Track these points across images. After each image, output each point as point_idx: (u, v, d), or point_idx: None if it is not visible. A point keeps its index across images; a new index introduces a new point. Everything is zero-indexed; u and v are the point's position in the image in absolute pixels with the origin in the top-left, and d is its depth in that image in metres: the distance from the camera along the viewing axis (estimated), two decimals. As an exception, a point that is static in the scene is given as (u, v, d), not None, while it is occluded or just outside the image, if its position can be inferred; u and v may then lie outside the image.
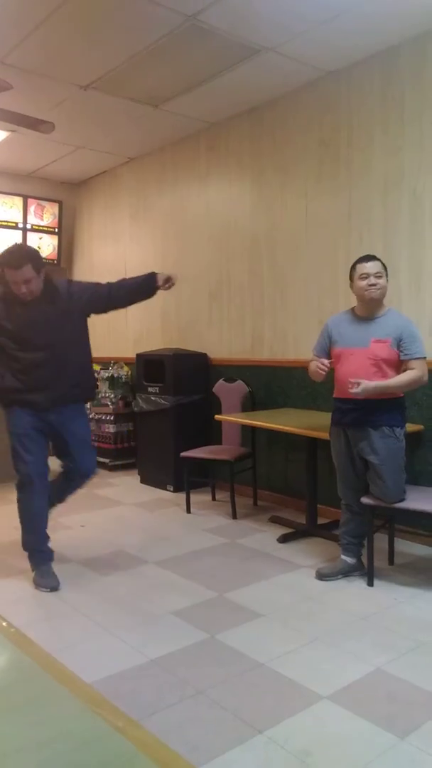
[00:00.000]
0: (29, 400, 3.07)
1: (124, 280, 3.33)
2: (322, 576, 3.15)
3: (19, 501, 3.18)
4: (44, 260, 6.70)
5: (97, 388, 3.45)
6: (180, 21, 3.49)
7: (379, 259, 3.06)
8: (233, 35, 3.65)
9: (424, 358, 2.99)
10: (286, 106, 4.50)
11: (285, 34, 3.64)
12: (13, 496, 3.20)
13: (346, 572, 3.17)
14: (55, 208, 6.75)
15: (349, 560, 3.19)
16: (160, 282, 3.20)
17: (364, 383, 2.88)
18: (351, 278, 3.08)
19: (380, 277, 3.00)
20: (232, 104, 4.72)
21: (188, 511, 4.38)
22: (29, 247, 3.26)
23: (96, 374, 6.08)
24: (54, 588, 3.03)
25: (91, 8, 3.36)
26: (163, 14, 3.42)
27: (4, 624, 1.09)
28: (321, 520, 3.94)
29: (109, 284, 3.27)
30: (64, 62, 4.02)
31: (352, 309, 3.16)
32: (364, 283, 3.00)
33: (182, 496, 4.51)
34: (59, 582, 3.07)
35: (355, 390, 2.88)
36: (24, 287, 2.97)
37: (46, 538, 3.21)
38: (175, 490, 4.91)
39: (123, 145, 5.73)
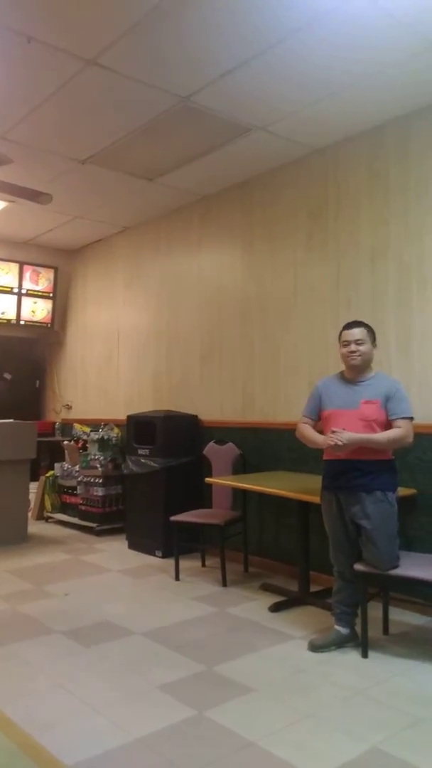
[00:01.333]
0: None
1: None
2: (314, 647, 3.04)
3: None
4: (41, 324, 6.84)
5: None
6: (174, 102, 3.69)
7: (365, 325, 3.12)
8: (225, 115, 3.85)
9: (411, 418, 3.01)
10: (275, 180, 4.70)
11: (274, 114, 3.85)
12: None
13: (339, 643, 3.07)
14: (51, 273, 6.90)
15: (343, 630, 3.09)
16: None
17: (347, 433, 2.89)
18: (339, 343, 3.15)
19: (361, 344, 3.06)
20: (224, 178, 4.92)
21: (177, 578, 4.26)
22: None
23: (85, 435, 6.07)
24: None
25: (90, 89, 3.55)
26: (158, 95, 3.62)
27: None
28: (314, 587, 3.84)
29: None
30: (63, 138, 4.21)
31: (341, 372, 3.20)
32: (345, 350, 3.08)
33: (171, 562, 4.40)
34: None
35: (336, 438, 2.88)
36: None
37: None
38: (164, 556, 4.80)
39: (118, 215, 5.93)
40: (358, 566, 3.01)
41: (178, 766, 2.07)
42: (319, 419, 3.16)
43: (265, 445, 4.63)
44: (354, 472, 2.98)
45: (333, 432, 2.94)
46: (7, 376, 5.33)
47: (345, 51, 3.15)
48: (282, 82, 3.46)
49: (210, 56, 3.24)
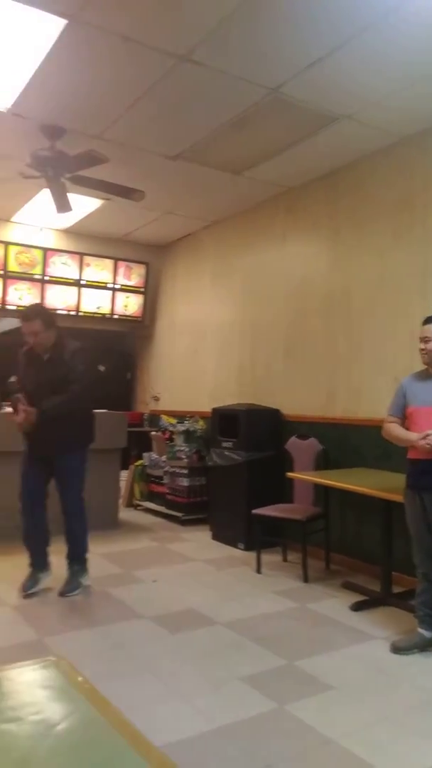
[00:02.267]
0: (34, 443, 3.73)
1: (59, 395, 3.64)
2: (396, 649, 3.00)
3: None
4: (132, 318, 7.04)
5: (91, 437, 3.89)
6: (263, 94, 3.69)
7: None
8: (313, 105, 3.81)
9: None
10: (362, 170, 4.60)
11: (362, 103, 3.78)
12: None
13: (422, 646, 3.00)
14: (142, 269, 7.10)
15: (426, 634, 3.02)
16: (19, 417, 3.63)
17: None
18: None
19: (428, 341, 2.99)
20: (310, 169, 4.88)
21: (258, 571, 4.32)
22: (42, 306, 4.16)
23: (171, 427, 6.22)
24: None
25: (182, 85, 3.62)
26: (247, 88, 3.64)
27: (80, 679, 1.13)
28: (396, 589, 3.77)
29: (71, 383, 3.65)
30: (155, 135, 4.32)
31: (427, 368, 3.13)
32: (423, 345, 3.03)
33: (253, 554, 4.46)
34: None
35: (428, 442, 2.82)
36: (31, 338, 3.64)
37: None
38: (246, 548, 4.86)
39: (206, 210, 6.01)
40: (444, 570, 2.93)
41: (258, 757, 2.12)
42: (404, 417, 3.10)
43: (348, 441, 4.57)
44: None
45: (429, 435, 2.87)
46: (101, 368, 5.58)
47: (436, 33, 3.03)
48: (369, 69, 3.39)
49: (299, 46, 3.22)
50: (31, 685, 1.15)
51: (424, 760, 2.11)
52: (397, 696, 2.59)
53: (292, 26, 3.05)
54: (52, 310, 6.35)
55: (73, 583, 3.77)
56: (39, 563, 3.82)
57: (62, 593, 3.70)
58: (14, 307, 6.33)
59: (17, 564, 3.94)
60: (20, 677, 1.18)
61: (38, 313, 3.74)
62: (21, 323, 3.70)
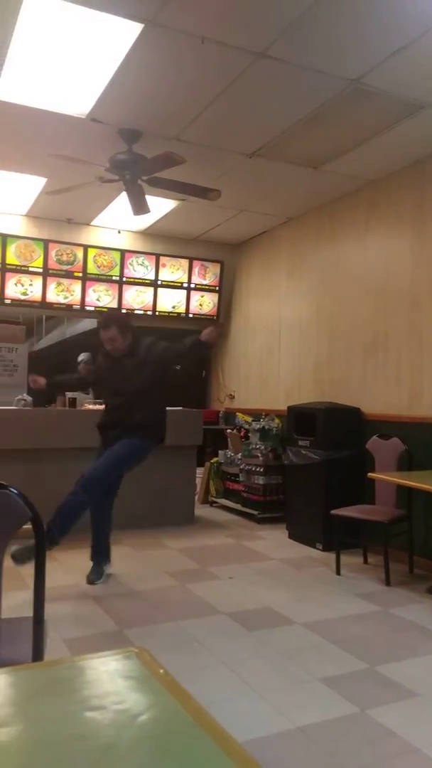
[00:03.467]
0: (107, 435, 3.95)
1: (188, 338, 3.90)
2: None
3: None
4: (207, 316, 7.11)
5: (160, 435, 3.97)
6: (343, 86, 3.61)
7: None
8: (396, 94, 3.68)
9: None
10: (450, 159, 4.41)
11: (449, 90, 3.61)
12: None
13: None
14: (217, 268, 7.13)
15: None
16: (203, 337, 3.78)
17: None
18: None
19: None
20: (393, 161, 4.72)
21: (338, 572, 4.22)
22: (119, 313, 4.63)
23: (247, 425, 6.21)
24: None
25: (259, 82, 3.59)
26: (326, 81, 3.56)
27: (161, 671, 1.12)
28: None
29: (180, 342, 3.92)
30: (232, 134, 4.32)
31: None
32: None
33: (331, 555, 4.37)
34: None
35: None
36: (109, 344, 3.89)
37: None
38: (325, 549, 4.77)
39: (282, 207, 5.95)
40: None
41: (339, 760, 2.07)
42: None
43: (434, 442, 4.39)
44: None
45: None
46: (177, 366, 5.66)
47: None
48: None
49: (379, 36, 3.12)
50: (114, 674, 1.16)
51: None
52: None
53: (372, 16, 2.96)
54: (128, 312, 6.54)
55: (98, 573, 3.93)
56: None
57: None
58: (92, 308, 6.52)
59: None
60: (103, 666, 1.19)
61: (114, 320, 3.96)
62: (100, 331, 3.92)
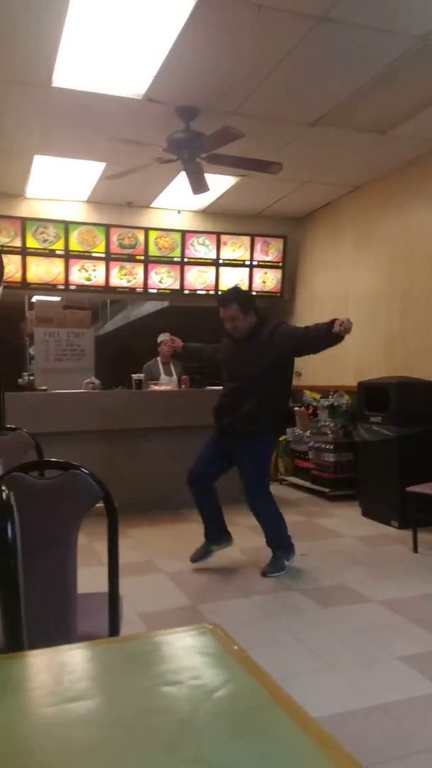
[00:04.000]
0: (220, 420, 3.73)
1: (317, 326, 3.58)
2: None
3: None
4: (271, 293, 7.04)
5: (279, 426, 3.84)
6: (411, 44, 3.43)
7: None
8: (467, 47, 3.46)
9: None
10: None
11: None
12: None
13: None
14: (280, 243, 7.01)
15: None
16: (336, 328, 3.36)
17: None
18: None
19: None
20: (465, 118, 4.46)
21: (415, 550, 4.11)
22: (240, 290, 3.92)
23: (315, 402, 6.12)
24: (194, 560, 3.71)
25: (320, 47, 3.46)
26: (392, 40, 3.40)
27: (235, 648, 1.11)
28: None
29: (306, 329, 3.63)
30: (293, 103, 4.20)
31: None
32: None
33: (408, 533, 4.26)
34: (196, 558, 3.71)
35: None
36: (229, 324, 3.59)
37: (218, 533, 3.81)
38: (401, 527, 4.65)
39: (348, 176, 5.76)
40: None
41: (420, 739, 2.02)
42: None
43: None
44: None
45: None
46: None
47: None
48: None
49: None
50: (189, 650, 1.16)
51: None
52: None
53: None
54: (191, 292, 6.53)
55: (273, 565, 3.69)
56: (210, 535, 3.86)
57: (263, 573, 3.66)
58: (155, 291, 6.56)
59: (178, 535, 4.09)
60: (178, 642, 1.20)
61: (235, 296, 3.63)
62: (220, 309, 3.62)
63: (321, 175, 5.71)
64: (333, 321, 3.38)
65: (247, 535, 4.39)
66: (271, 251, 7.02)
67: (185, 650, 1.16)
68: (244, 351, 3.61)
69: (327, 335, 3.43)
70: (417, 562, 3.92)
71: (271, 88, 3.95)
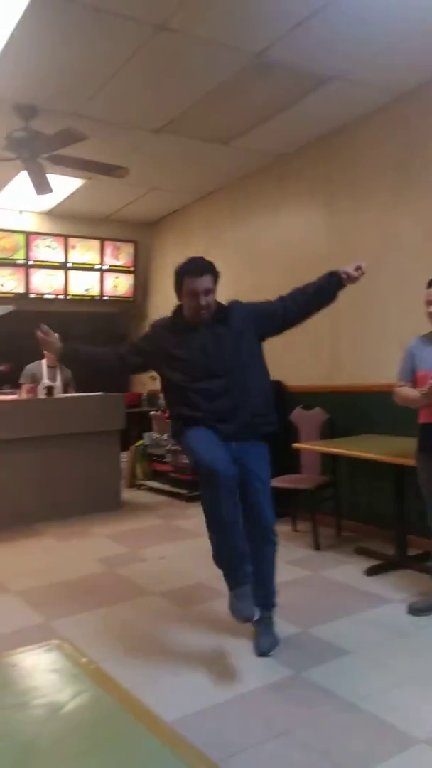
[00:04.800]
0: (212, 427, 2.67)
1: (296, 289, 2.99)
2: (414, 611, 2.98)
3: (203, 502, 2.71)
4: (124, 298, 6.98)
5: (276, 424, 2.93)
6: (248, 59, 3.57)
7: None
8: (301, 67, 3.68)
9: None
10: (357, 132, 4.48)
11: (353, 61, 3.64)
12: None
13: (440, 607, 2.97)
14: (131, 248, 6.99)
15: (444, 594, 2.99)
16: (345, 276, 2.84)
17: None
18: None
19: None
20: (302, 134, 4.75)
21: (269, 542, 4.29)
22: (207, 260, 2.85)
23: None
24: (248, 618, 2.53)
25: (161, 55, 3.50)
26: (230, 55, 3.52)
27: (83, 660, 1.08)
28: (411, 551, 3.75)
29: (281, 298, 2.97)
30: (136, 110, 4.20)
31: (431, 332, 3.07)
32: (429, 309, 2.98)
33: (262, 527, 4.43)
34: (254, 611, 2.54)
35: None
36: (203, 299, 2.68)
37: (245, 554, 2.61)
38: (256, 521, 4.83)
39: (194, 183, 5.89)
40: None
41: (277, 724, 2.10)
42: (414, 380, 3.05)
43: (355, 409, 4.52)
44: None
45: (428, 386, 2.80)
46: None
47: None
48: (359, 25, 3.24)
49: (282, 7, 3.09)
50: (35, 669, 1.11)
51: (446, 718, 2.09)
52: (416, 657, 2.57)
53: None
54: (37, 297, 6.25)
55: (271, 633, 2.74)
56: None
57: (262, 653, 2.65)
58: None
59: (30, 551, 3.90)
60: (23, 662, 1.14)
61: (210, 266, 2.80)
62: (189, 280, 2.73)
63: (168, 181, 5.78)
64: (334, 272, 2.89)
65: (104, 544, 4.31)
66: (122, 256, 6.98)
67: (30, 670, 1.11)
68: (218, 339, 2.74)
69: (326, 293, 2.93)
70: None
71: (114, 93, 3.93)
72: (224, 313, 2.82)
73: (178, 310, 2.85)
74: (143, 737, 0.91)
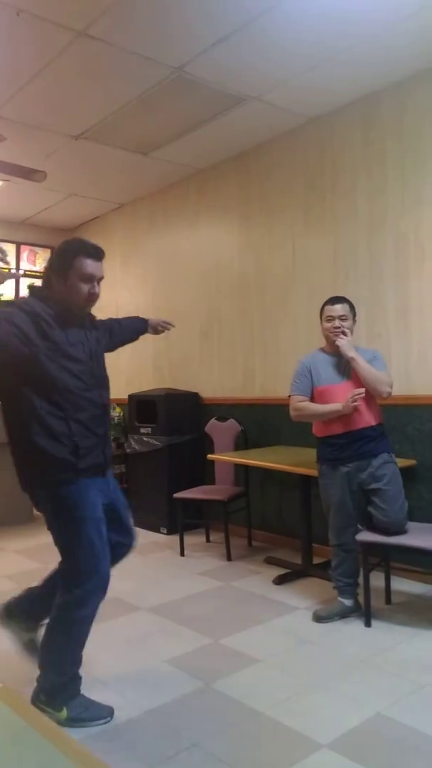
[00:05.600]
0: (98, 463, 2.28)
1: (120, 319, 2.95)
2: (319, 618, 3.09)
3: (75, 622, 2.28)
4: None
5: None
6: (167, 73, 3.62)
7: (347, 301, 3.17)
8: (219, 85, 3.78)
9: (390, 377, 3.12)
10: (271, 152, 4.63)
11: (268, 83, 3.78)
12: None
13: (343, 614, 3.11)
14: (48, 253, 6.84)
15: (346, 602, 3.13)
16: (154, 331, 2.96)
17: (346, 339, 3.06)
18: (320, 318, 3.17)
19: (345, 319, 3.13)
20: (219, 150, 4.85)
21: (182, 553, 4.31)
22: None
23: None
24: (111, 714, 2.25)
25: (81, 62, 3.48)
26: (150, 66, 3.55)
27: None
28: (316, 560, 3.88)
29: (113, 320, 2.87)
30: (56, 113, 4.14)
31: (322, 348, 3.23)
32: (329, 325, 3.14)
33: (176, 538, 4.45)
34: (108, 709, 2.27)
35: (358, 396, 2.95)
36: (97, 288, 2.31)
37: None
38: (169, 533, 4.84)
39: (113, 192, 5.86)
40: (361, 536, 3.04)
41: (186, 736, 2.12)
42: (312, 396, 3.18)
43: (266, 421, 4.64)
44: (361, 440, 3.04)
45: (356, 394, 2.96)
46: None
47: (339, 12, 3.07)
48: (275, 48, 3.38)
49: (202, 24, 3.16)
50: None
51: (350, 722, 2.18)
52: (321, 663, 2.66)
53: (195, 3, 2.99)
54: None
55: None
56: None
57: None
58: None
59: None
60: None
61: (102, 251, 2.39)
62: (87, 261, 2.28)
63: (87, 188, 5.72)
64: (145, 321, 2.96)
65: (13, 559, 4.17)
66: (39, 261, 6.82)
67: None
68: (96, 342, 2.41)
69: (136, 334, 2.95)
70: (183, 565, 4.12)
71: (33, 96, 3.86)
72: (91, 317, 2.46)
73: (50, 296, 2.26)
74: (49, 754, 0.90)
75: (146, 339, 6.00)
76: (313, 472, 3.36)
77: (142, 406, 5.25)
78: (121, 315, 6.20)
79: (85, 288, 2.26)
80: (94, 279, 2.29)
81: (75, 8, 3.00)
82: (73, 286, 2.25)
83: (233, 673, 2.57)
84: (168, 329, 3.01)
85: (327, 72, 3.65)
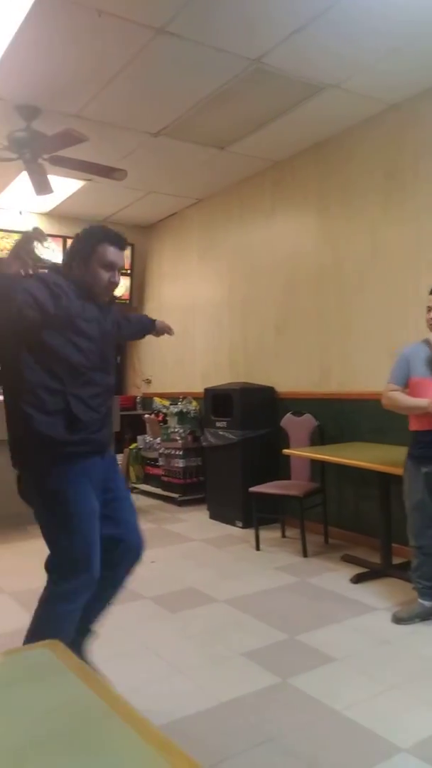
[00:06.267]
0: (96, 439, 2.22)
1: (131, 315, 3.04)
2: (398, 620, 3.00)
3: (58, 617, 2.16)
4: (120, 300, 6.99)
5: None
6: (245, 65, 3.60)
7: None
8: (297, 74, 3.72)
9: None
10: (350, 140, 4.52)
11: (348, 70, 3.68)
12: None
13: (423, 616, 3.01)
14: (128, 251, 6.99)
15: (427, 603, 3.02)
16: (156, 332, 2.98)
17: None
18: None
19: None
20: (296, 141, 4.78)
21: (257, 548, 4.31)
22: None
23: (164, 409, 6.19)
24: None
25: (160, 59, 3.52)
26: (228, 60, 3.54)
27: (75, 662, 1.09)
28: (396, 560, 3.78)
29: (124, 315, 2.84)
30: (135, 112, 4.22)
31: (426, 339, 3.09)
32: (429, 315, 2.99)
33: (251, 532, 4.45)
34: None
35: None
36: (117, 276, 2.27)
37: None
38: (244, 526, 4.86)
39: (191, 188, 5.91)
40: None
41: (262, 730, 2.12)
42: (406, 386, 3.07)
43: (343, 416, 4.55)
44: None
45: None
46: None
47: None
48: (355, 34, 3.28)
49: (279, 14, 3.12)
50: (25, 672, 1.12)
51: (430, 727, 2.11)
52: (400, 665, 2.59)
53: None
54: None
55: None
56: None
57: None
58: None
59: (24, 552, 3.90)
60: (14, 664, 1.15)
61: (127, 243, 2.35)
62: (110, 249, 2.22)
63: (165, 185, 5.80)
64: (153, 322, 2.98)
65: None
66: (118, 258, 6.98)
67: (21, 672, 1.12)
68: (108, 324, 2.33)
69: (143, 333, 2.99)
70: (259, 560, 4.12)
71: (114, 95, 3.94)
72: (110, 303, 2.39)
73: (73, 275, 2.22)
74: (132, 741, 0.92)
75: (222, 333, 6.07)
76: (393, 470, 3.26)
77: (218, 399, 5.28)
78: (199, 310, 6.32)
79: (105, 275, 2.22)
80: (116, 267, 2.25)
81: (154, 6, 3.04)
82: (94, 272, 2.21)
83: (310, 670, 2.55)
84: (170, 334, 3.07)
85: (410, 56, 3.51)
